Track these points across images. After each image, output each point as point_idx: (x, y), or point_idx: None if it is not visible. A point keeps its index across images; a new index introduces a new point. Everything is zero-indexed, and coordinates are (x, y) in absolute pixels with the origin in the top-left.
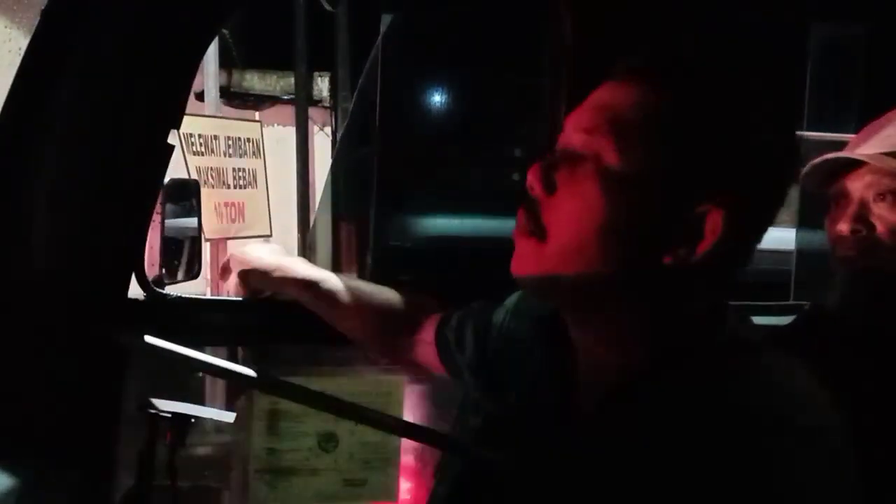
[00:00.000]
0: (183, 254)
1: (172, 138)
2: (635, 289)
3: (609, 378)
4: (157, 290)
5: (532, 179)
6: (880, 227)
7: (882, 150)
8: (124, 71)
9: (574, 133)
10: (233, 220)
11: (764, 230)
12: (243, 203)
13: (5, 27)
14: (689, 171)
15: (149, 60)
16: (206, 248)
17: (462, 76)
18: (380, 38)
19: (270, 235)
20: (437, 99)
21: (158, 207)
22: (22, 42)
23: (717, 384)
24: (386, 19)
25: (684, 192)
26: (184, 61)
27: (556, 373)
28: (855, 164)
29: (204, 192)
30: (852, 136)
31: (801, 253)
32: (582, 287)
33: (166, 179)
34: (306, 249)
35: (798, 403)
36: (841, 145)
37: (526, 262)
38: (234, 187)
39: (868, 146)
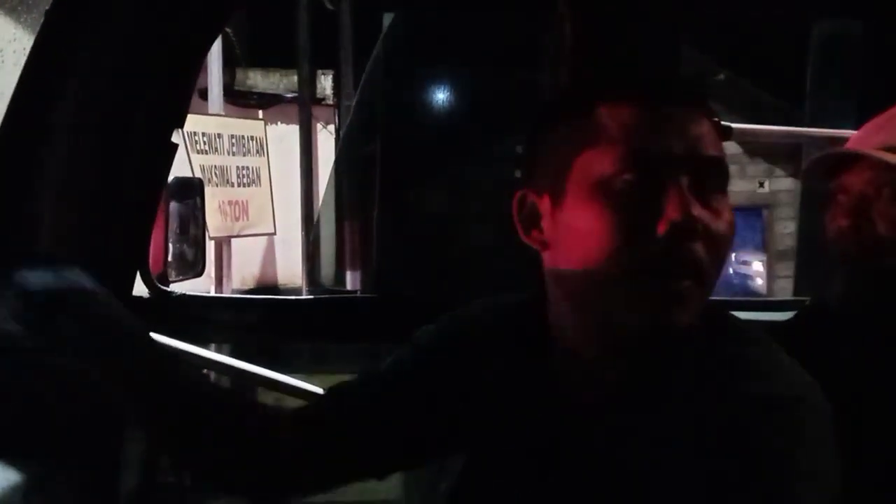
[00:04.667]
0: (187, 252)
1: (176, 137)
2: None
3: (611, 377)
4: (162, 287)
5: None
6: (880, 223)
7: (883, 146)
8: (128, 70)
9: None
10: (237, 219)
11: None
12: (247, 201)
13: (10, 28)
14: None
15: (152, 60)
16: (209, 247)
17: (464, 73)
18: (382, 36)
19: (274, 233)
20: (440, 96)
21: (163, 206)
22: (26, 42)
23: (724, 374)
24: (388, 17)
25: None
26: (187, 60)
27: (544, 375)
28: (856, 160)
29: (208, 190)
30: (853, 132)
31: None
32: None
33: (170, 178)
34: (310, 247)
35: (806, 386)
36: (841, 141)
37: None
38: (238, 185)
39: (869, 142)
